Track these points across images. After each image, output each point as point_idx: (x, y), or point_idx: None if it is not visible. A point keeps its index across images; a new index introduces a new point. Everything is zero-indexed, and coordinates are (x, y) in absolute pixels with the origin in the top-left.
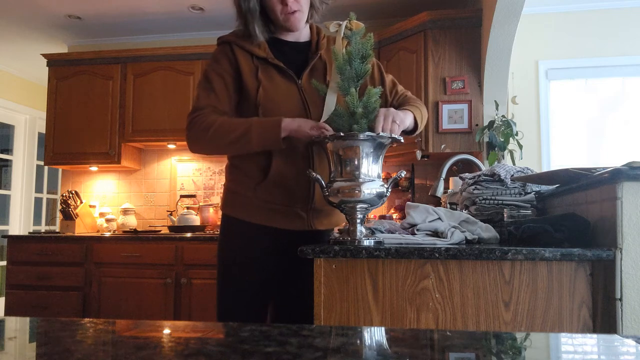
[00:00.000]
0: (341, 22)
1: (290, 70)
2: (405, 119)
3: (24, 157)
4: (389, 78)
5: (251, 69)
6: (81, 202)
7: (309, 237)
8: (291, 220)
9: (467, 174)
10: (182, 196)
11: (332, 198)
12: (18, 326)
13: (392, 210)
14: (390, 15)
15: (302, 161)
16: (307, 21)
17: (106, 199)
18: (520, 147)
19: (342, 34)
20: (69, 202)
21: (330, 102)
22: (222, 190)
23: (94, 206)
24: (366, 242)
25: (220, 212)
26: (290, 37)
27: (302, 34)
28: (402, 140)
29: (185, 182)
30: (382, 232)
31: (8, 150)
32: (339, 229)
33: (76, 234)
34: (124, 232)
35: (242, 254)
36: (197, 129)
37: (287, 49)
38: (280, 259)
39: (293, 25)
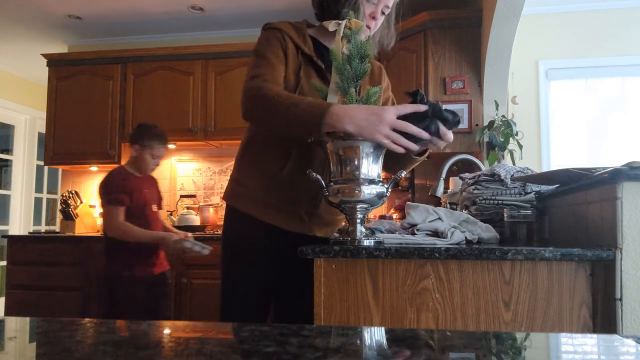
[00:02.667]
0: (340, 21)
1: (328, 73)
2: None
3: (24, 157)
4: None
5: (295, 64)
6: (81, 202)
7: (309, 241)
8: (293, 222)
9: (467, 174)
10: (182, 196)
11: (332, 198)
12: (18, 326)
13: (392, 210)
14: None
15: (318, 166)
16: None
17: None
18: (520, 147)
19: (341, 33)
20: (69, 202)
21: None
22: (222, 190)
23: (94, 206)
24: (366, 242)
25: (219, 212)
26: (333, 44)
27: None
28: None
29: (185, 182)
30: (382, 232)
31: (8, 150)
32: (339, 229)
33: (76, 234)
34: None
35: (245, 249)
36: (251, 98)
37: (326, 53)
38: (281, 259)
39: (368, 31)
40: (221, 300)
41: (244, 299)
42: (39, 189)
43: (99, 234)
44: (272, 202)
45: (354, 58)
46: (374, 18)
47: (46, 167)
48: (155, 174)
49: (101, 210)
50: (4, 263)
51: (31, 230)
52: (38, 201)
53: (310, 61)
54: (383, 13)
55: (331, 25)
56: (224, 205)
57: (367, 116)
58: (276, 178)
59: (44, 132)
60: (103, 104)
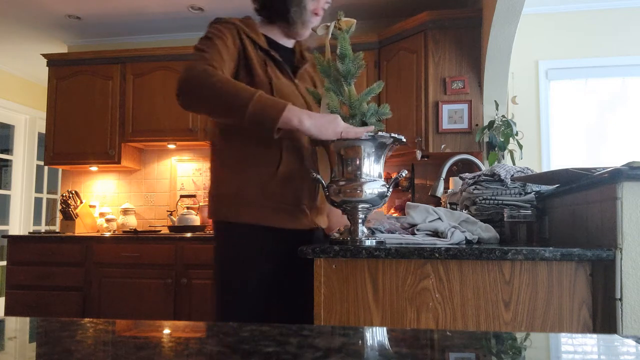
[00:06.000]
0: (329, 24)
1: (288, 69)
2: None
3: (24, 157)
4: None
5: (259, 60)
6: (81, 202)
7: (310, 235)
8: (297, 218)
9: (467, 174)
10: (182, 196)
11: (334, 198)
12: (18, 326)
13: (392, 210)
14: (390, 15)
15: (308, 157)
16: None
17: (106, 199)
18: (520, 147)
19: (329, 36)
20: (69, 202)
21: (324, 107)
22: None
23: (94, 206)
24: (368, 242)
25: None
26: (283, 41)
27: (291, 41)
28: (404, 140)
29: (185, 182)
30: (382, 232)
31: (8, 150)
32: (338, 230)
33: (76, 234)
34: (124, 232)
35: (250, 262)
36: (198, 74)
37: (280, 51)
38: (287, 260)
39: (311, 26)
40: (221, 318)
41: (251, 313)
42: (39, 189)
43: (99, 234)
44: (274, 205)
45: (339, 59)
46: (316, 14)
47: (46, 167)
48: (155, 173)
49: None
50: (4, 263)
51: (31, 230)
52: (38, 201)
53: (267, 55)
54: (323, 9)
55: (319, 29)
56: None
57: (327, 118)
58: (274, 179)
59: (44, 132)
60: (103, 104)
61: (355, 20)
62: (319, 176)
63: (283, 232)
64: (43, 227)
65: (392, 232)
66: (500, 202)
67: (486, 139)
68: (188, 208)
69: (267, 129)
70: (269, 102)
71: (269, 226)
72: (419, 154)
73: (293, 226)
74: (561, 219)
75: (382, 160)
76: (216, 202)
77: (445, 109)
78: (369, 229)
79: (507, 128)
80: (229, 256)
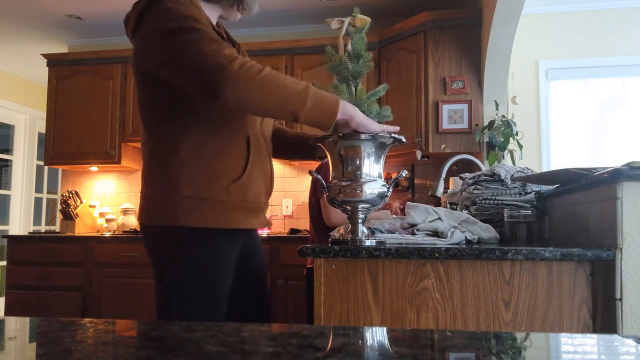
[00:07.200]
0: (344, 19)
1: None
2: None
3: (24, 157)
4: None
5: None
6: (81, 202)
7: (257, 235)
8: (258, 217)
9: (467, 174)
10: None
11: (334, 197)
12: (18, 326)
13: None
14: (390, 15)
15: (266, 153)
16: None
17: (106, 199)
18: (520, 147)
19: (343, 31)
20: (69, 202)
21: None
22: None
23: (94, 206)
24: (367, 242)
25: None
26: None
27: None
28: (404, 140)
29: None
30: (382, 232)
31: (8, 150)
32: (338, 230)
33: (76, 234)
34: (124, 232)
35: (214, 268)
36: (248, 70)
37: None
38: (243, 260)
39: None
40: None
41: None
42: (39, 189)
43: (99, 234)
44: (238, 205)
45: (352, 58)
46: None
47: (46, 167)
48: None
49: (310, 202)
50: (4, 263)
51: (31, 230)
52: (38, 201)
53: (220, 37)
54: None
55: (334, 23)
56: None
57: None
58: (241, 179)
59: (44, 132)
60: (103, 104)
61: (370, 19)
62: (319, 176)
63: (242, 231)
64: (43, 227)
65: (392, 232)
66: (500, 202)
67: (486, 139)
68: None
69: (326, 123)
70: (323, 95)
71: (233, 228)
72: (419, 154)
73: (254, 225)
74: (561, 219)
75: (382, 160)
76: (173, 205)
77: (445, 109)
78: (369, 228)
79: (507, 128)
80: (192, 268)
